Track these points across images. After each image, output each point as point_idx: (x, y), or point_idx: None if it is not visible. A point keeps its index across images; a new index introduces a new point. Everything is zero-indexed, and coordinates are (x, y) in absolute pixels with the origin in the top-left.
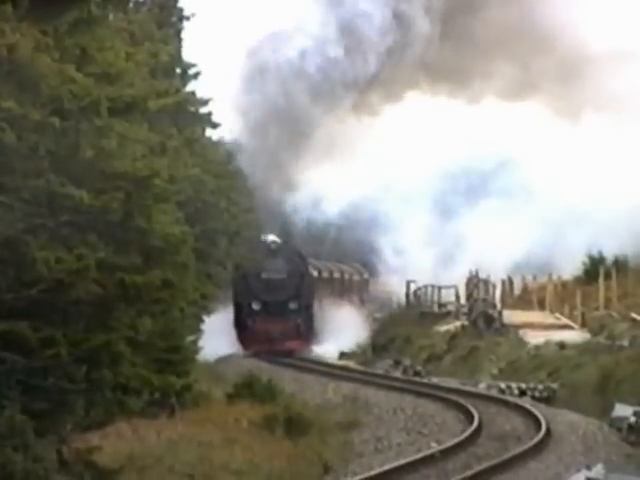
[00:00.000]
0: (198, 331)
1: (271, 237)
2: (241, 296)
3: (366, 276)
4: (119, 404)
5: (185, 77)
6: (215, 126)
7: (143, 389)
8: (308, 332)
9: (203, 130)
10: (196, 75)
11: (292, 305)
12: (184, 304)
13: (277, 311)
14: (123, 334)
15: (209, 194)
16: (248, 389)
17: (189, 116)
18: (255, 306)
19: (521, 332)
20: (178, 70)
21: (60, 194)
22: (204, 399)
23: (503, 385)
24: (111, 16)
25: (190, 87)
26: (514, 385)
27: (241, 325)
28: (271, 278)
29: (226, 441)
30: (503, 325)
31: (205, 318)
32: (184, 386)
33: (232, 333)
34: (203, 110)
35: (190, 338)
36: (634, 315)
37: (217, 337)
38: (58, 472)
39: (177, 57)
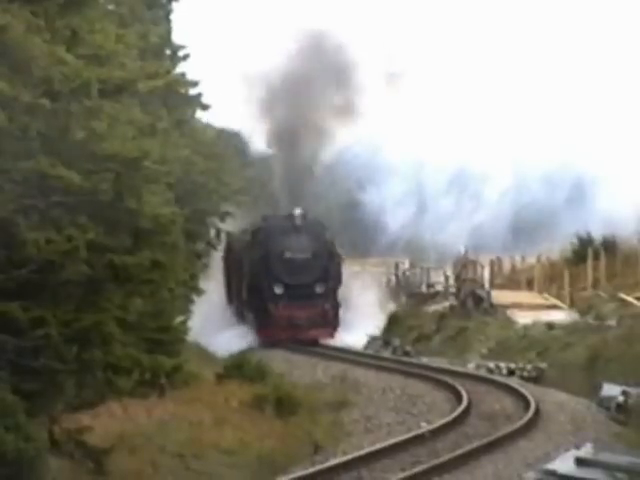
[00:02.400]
0: (188, 311)
1: (296, 211)
2: (261, 278)
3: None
4: (109, 384)
5: (175, 59)
6: (205, 107)
7: (133, 369)
8: (335, 319)
9: (193, 112)
10: (185, 57)
11: (319, 288)
12: (174, 285)
13: (302, 295)
14: (113, 314)
15: (199, 175)
16: (238, 369)
17: (179, 98)
18: (277, 289)
19: (509, 312)
20: (168, 52)
21: (50, 175)
22: (194, 379)
23: (492, 365)
24: None
25: (180, 68)
26: (503, 365)
27: (260, 311)
28: (295, 258)
29: (216, 421)
30: (492, 305)
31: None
32: (174, 366)
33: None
34: (193, 91)
35: (180, 318)
36: (622, 295)
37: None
38: (49, 452)
39: (167, 39)
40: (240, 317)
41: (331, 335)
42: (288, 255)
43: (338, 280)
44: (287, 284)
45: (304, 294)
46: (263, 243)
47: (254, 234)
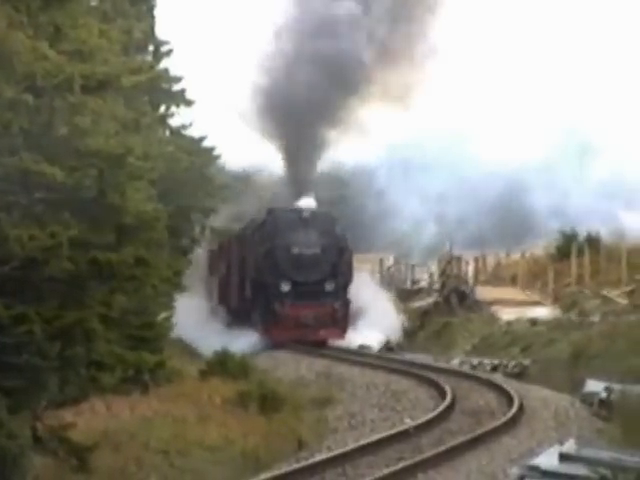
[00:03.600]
0: (171, 308)
1: (305, 202)
2: (266, 275)
3: None
4: (93, 381)
5: (158, 54)
6: (189, 103)
7: (117, 366)
8: (345, 318)
9: (177, 107)
10: (169, 52)
11: (328, 286)
12: (157, 281)
13: (310, 293)
14: (96, 311)
15: (183, 171)
16: (221, 366)
17: (163, 93)
18: (284, 287)
19: (493, 308)
20: (151, 47)
21: (33, 171)
22: (177, 376)
23: (475, 361)
24: None
25: (163, 64)
26: (486, 361)
27: (265, 310)
28: (303, 253)
29: (200, 417)
30: (475, 302)
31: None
32: (157, 363)
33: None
34: (177, 87)
35: (163, 315)
36: (605, 292)
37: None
38: (32, 449)
39: (150, 34)
40: (236, 318)
41: (341, 336)
42: (295, 250)
43: (349, 277)
44: (294, 281)
45: (312, 292)
46: (268, 237)
47: (258, 228)
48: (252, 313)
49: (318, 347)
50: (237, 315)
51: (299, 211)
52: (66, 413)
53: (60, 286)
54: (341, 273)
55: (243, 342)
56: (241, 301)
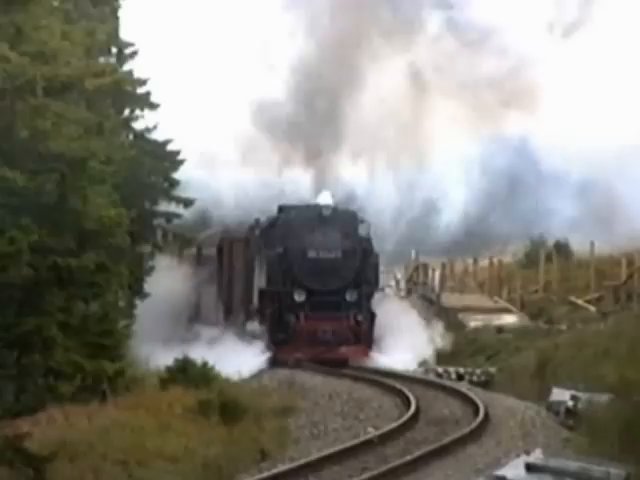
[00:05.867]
0: (131, 316)
1: (323, 199)
2: (277, 283)
3: None
4: (50, 390)
5: (122, 56)
6: (153, 107)
7: (75, 374)
8: (370, 334)
9: (142, 110)
10: (133, 54)
11: (350, 296)
12: (118, 288)
13: (329, 304)
14: (55, 318)
15: (146, 175)
16: (182, 374)
17: (127, 96)
18: (298, 297)
19: (460, 315)
20: (115, 49)
21: None
22: (137, 384)
23: (440, 369)
24: None
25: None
26: (452, 369)
27: (276, 324)
28: (321, 258)
29: (160, 427)
30: (442, 308)
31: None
32: (117, 371)
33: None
34: (141, 90)
35: (123, 322)
36: (573, 299)
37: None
38: None
39: (114, 36)
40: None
41: (365, 354)
42: (312, 254)
43: (374, 285)
44: (310, 290)
45: (331, 303)
46: (280, 239)
47: (268, 228)
48: (260, 328)
49: (338, 367)
50: (240, 330)
51: (317, 208)
52: (22, 422)
53: (18, 292)
54: (365, 281)
55: (250, 362)
56: (246, 314)
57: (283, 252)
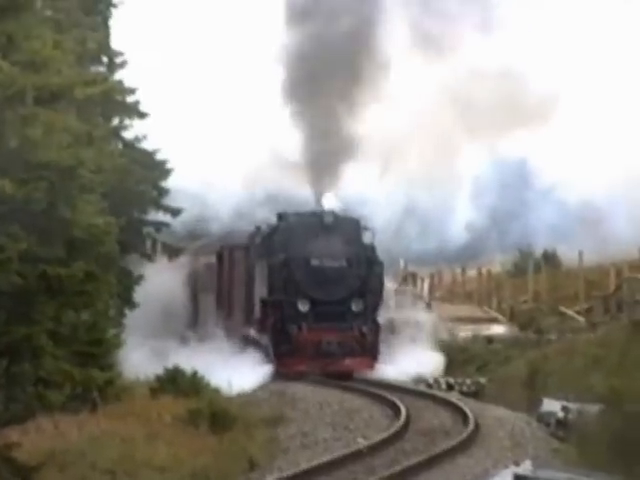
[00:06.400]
0: (121, 324)
1: (326, 204)
2: (279, 292)
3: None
4: (40, 399)
5: (112, 65)
6: (143, 116)
7: (65, 383)
8: (375, 345)
9: (131, 119)
10: (124, 64)
11: (355, 306)
12: (108, 296)
13: (333, 314)
14: (45, 327)
15: (135, 184)
16: (172, 383)
17: (116, 105)
18: (302, 307)
19: (450, 325)
20: (105, 58)
21: None
22: (127, 393)
23: (431, 379)
24: (38, 3)
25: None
26: (442, 379)
27: (278, 335)
28: (324, 266)
29: (149, 436)
30: None
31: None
32: (107, 380)
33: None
34: (131, 99)
35: (113, 331)
36: (562, 309)
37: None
38: None
39: (105, 45)
40: (240, 344)
41: (371, 366)
42: (315, 262)
43: (379, 295)
44: (314, 300)
45: (336, 313)
46: (282, 247)
47: (269, 236)
48: (261, 339)
49: (342, 380)
50: (241, 341)
51: (319, 215)
52: (11, 432)
53: (8, 301)
54: (370, 290)
55: (251, 374)
56: (247, 324)
57: (285, 260)
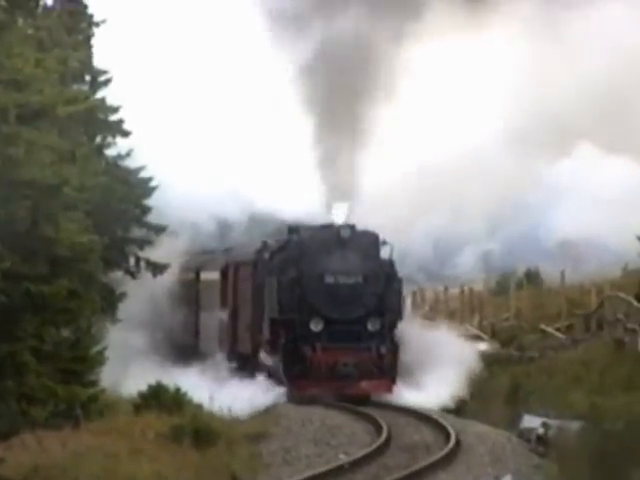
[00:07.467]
0: (104, 341)
1: (339, 216)
2: (291, 311)
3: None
4: (23, 415)
5: (95, 84)
6: (126, 134)
7: (48, 400)
8: (394, 366)
9: (114, 138)
10: (107, 82)
11: (372, 325)
12: (91, 314)
13: (349, 334)
14: (28, 344)
15: (118, 202)
16: (155, 399)
17: (99, 123)
18: (315, 327)
19: None
20: (88, 77)
21: None
22: (110, 409)
23: None
24: (20, 22)
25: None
26: None
27: (290, 355)
28: (340, 283)
29: (132, 452)
30: None
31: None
32: (90, 396)
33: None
34: (114, 117)
35: (96, 348)
36: (543, 326)
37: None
38: None
39: (87, 64)
40: (245, 365)
41: (389, 389)
42: (330, 279)
43: (398, 313)
44: (328, 319)
45: (352, 332)
46: (294, 263)
47: (279, 251)
48: (272, 360)
49: (358, 404)
50: (247, 362)
51: (334, 228)
52: None
53: None
54: (388, 308)
55: (262, 396)
56: (254, 344)
57: (297, 277)
